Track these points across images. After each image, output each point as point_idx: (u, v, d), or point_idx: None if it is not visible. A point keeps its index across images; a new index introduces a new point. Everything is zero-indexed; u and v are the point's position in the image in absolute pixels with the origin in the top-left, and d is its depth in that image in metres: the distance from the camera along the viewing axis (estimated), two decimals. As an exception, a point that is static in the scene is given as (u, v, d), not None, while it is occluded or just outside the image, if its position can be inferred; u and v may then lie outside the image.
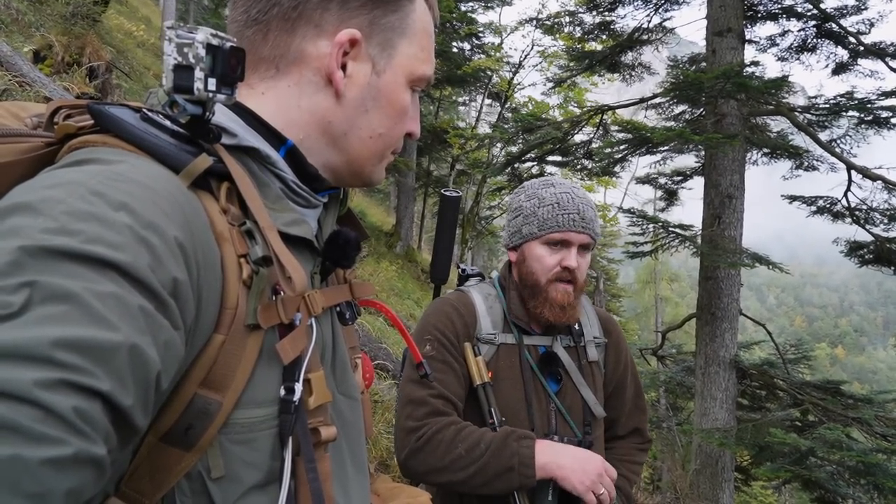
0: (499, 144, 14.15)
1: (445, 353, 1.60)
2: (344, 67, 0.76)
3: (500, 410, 1.58)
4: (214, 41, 0.62)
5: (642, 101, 8.71)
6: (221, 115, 0.71)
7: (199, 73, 0.61)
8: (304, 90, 0.76)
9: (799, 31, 8.30)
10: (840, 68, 8.35)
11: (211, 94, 0.63)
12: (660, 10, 9.07)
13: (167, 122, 0.66)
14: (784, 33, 8.42)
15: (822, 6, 7.82)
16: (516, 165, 11.52)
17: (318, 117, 0.77)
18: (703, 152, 8.12)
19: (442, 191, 1.80)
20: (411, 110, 0.83)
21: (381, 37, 0.77)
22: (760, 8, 8.15)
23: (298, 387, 0.68)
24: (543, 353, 1.67)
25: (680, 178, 10.20)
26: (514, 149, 11.10)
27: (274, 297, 0.67)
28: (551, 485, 1.50)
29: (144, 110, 0.68)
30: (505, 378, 1.62)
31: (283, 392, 0.68)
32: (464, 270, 1.88)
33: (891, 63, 7.63)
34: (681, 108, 9.09)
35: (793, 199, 8.23)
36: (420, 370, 1.08)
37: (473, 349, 1.62)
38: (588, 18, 10.09)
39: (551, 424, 1.62)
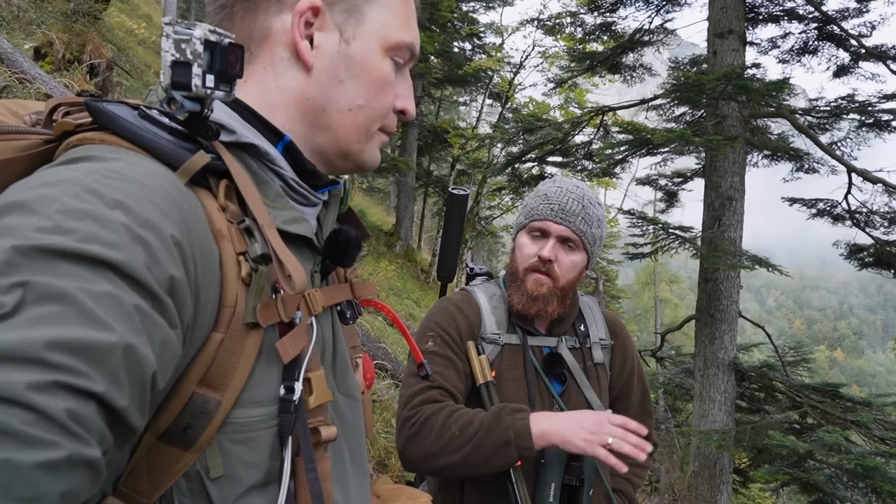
0: (499, 145, 14.13)
1: (448, 349, 1.59)
2: (311, 39, 0.75)
3: None
4: (212, 37, 0.62)
5: (643, 102, 8.71)
6: (220, 112, 0.71)
7: (196, 70, 0.61)
8: (277, 69, 0.75)
9: (800, 33, 8.29)
10: (841, 71, 8.33)
11: (209, 91, 0.62)
12: (661, 11, 9.06)
13: (165, 120, 0.66)
14: (785, 35, 8.40)
15: (824, 8, 7.82)
16: (517, 166, 11.50)
17: (295, 95, 0.75)
18: (703, 154, 8.12)
19: (450, 189, 1.81)
20: (401, 87, 0.81)
21: (346, 3, 0.75)
22: (762, 10, 8.14)
23: (298, 386, 0.68)
24: (547, 354, 1.66)
25: (680, 179, 10.19)
26: (514, 149, 11.09)
27: (274, 296, 0.67)
28: (552, 486, 1.49)
29: (142, 107, 0.67)
30: (508, 378, 1.61)
31: (282, 391, 0.67)
32: (472, 269, 1.88)
33: (892, 66, 7.62)
34: (681, 109, 9.08)
35: (793, 201, 8.23)
36: (420, 370, 1.07)
37: (477, 347, 1.61)
38: (589, 19, 10.07)
39: None
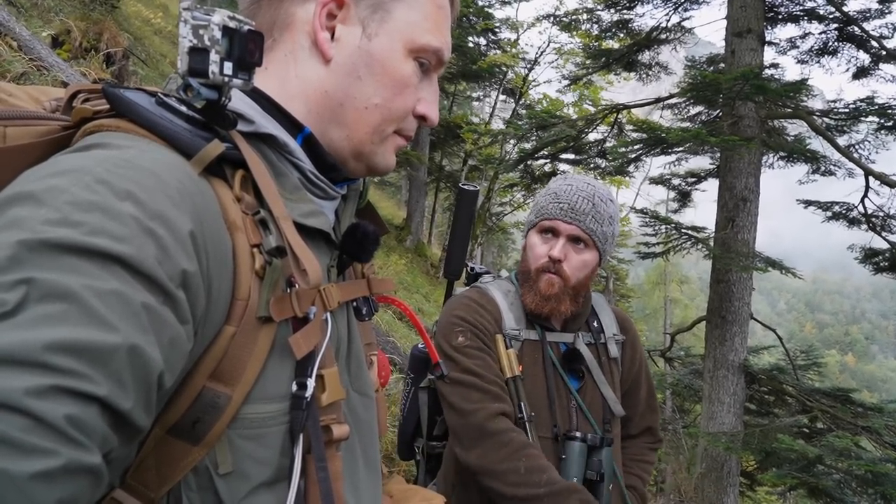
0: (512, 141, 14.09)
1: (479, 340, 1.59)
2: (333, 32, 0.74)
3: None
4: (231, 24, 0.61)
5: (658, 100, 8.62)
6: (238, 101, 0.70)
7: (214, 57, 0.60)
8: (298, 57, 0.74)
9: (820, 33, 8.17)
10: (861, 72, 8.22)
11: (227, 79, 0.61)
12: (679, 9, 8.95)
13: (183, 108, 0.65)
14: (805, 36, 8.29)
15: (845, 9, 7.70)
16: (529, 162, 11.43)
17: (314, 87, 0.74)
18: (718, 154, 8.03)
19: (460, 184, 1.80)
20: (426, 92, 0.79)
21: None
22: (781, 9, 8.04)
23: (311, 382, 0.66)
24: (566, 350, 1.67)
25: (694, 179, 10.11)
26: (527, 145, 11.03)
27: (288, 290, 0.66)
28: (574, 481, 1.50)
29: (160, 94, 0.66)
30: (528, 374, 1.62)
31: (294, 387, 0.66)
32: (472, 269, 1.87)
33: (913, 68, 7.51)
34: (697, 109, 8.99)
35: (808, 203, 8.14)
36: (436, 371, 1.05)
37: (505, 341, 1.61)
38: (606, 16, 9.98)
39: (572, 422, 1.62)
